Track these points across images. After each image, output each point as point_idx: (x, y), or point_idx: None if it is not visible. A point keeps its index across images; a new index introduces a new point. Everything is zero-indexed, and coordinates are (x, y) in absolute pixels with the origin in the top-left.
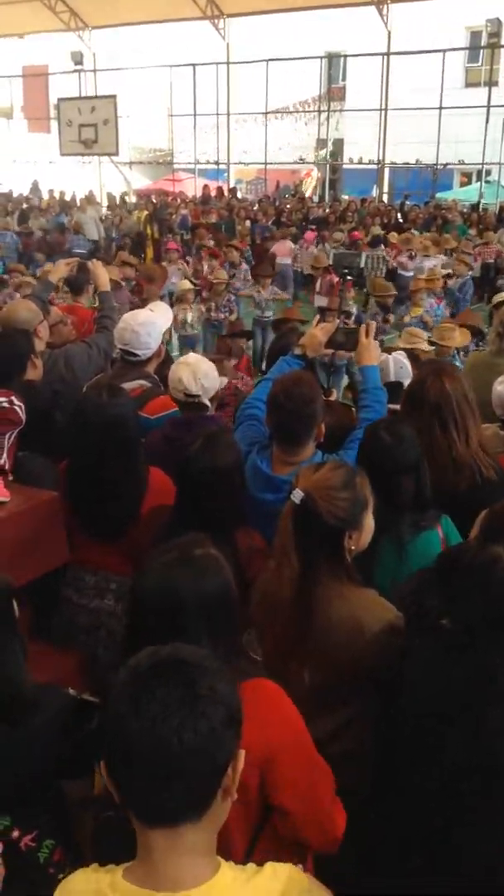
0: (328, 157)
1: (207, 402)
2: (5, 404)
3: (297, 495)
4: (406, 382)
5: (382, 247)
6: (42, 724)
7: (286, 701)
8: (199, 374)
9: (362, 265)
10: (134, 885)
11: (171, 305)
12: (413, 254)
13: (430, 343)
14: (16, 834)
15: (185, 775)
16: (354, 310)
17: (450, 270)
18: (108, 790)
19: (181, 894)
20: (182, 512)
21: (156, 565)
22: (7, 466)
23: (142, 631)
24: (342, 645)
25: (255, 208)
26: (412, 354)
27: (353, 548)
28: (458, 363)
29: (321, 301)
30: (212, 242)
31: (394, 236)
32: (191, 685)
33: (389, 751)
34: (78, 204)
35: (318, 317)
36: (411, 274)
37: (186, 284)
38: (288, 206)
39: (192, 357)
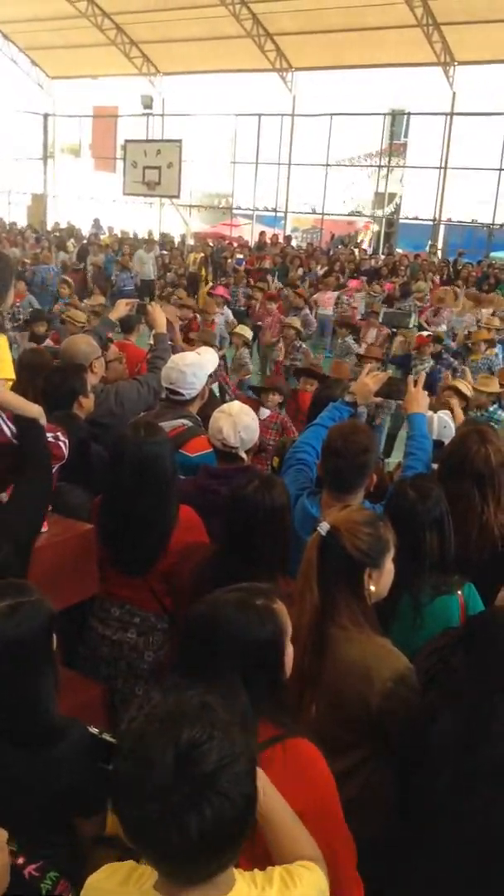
0: (391, 212)
1: (244, 455)
2: (51, 439)
3: (324, 527)
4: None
5: (414, 296)
6: (62, 756)
7: (322, 765)
8: (239, 425)
9: (412, 325)
10: None
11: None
12: (439, 310)
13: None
14: (21, 861)
15: (220, 853)
16: (427, 366)
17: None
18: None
19: None
20: (226, 551)
21: (212, 601)
22: None
23: (182, 657)
24: (350, 688)
25: (307, 256)
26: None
27: (372, 588)
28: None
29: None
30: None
31: (439, 292)
32: (219, 791)
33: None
34: (135, 243)
35: (368, 366)
36: (444, 329)
37: (245, 331)
38: (341, 255)
39: (235, 407)
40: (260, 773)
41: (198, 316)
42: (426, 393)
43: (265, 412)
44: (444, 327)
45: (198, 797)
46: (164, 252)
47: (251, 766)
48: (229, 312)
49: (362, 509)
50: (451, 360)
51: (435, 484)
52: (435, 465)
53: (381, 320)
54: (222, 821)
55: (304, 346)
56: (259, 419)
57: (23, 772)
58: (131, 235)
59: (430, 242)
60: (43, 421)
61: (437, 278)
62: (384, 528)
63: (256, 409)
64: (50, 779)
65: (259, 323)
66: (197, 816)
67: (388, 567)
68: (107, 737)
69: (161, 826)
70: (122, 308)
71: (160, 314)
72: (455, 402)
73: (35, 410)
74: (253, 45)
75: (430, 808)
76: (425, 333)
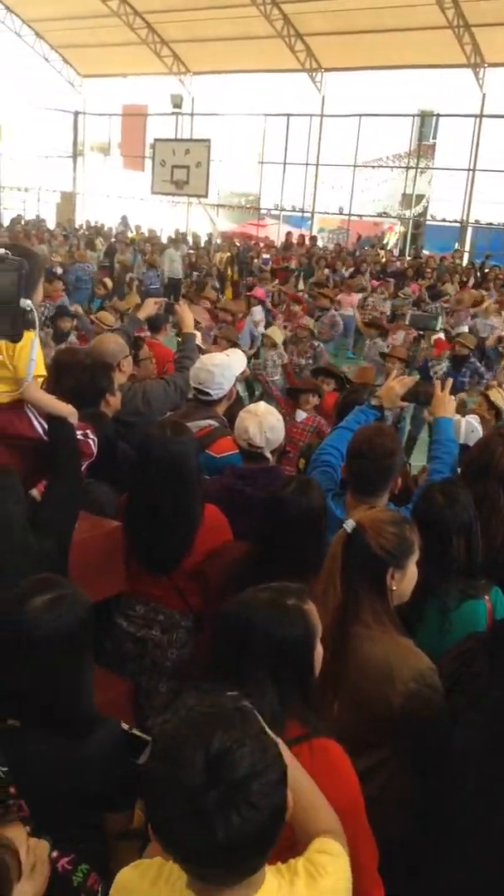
0: (419, 214)
1: (269, 455)
2: (80, 436)
3: (350, 524)
4: None
5: (442, 300)
6: (96, 749)
7: (347, 765)
8: (265, 425)
9: (438, 327)
10: None
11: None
12: (455, 312)
13: None
14: (54, 855)
15: (252, 856)
16: (444, 366)
17: None
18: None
19: None
20: (261, 552)
21: (244, 599)
22: None
23: (214, 654)
24: (372, 687)
25: (333, 257)
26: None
27: (394, 588)
28: None
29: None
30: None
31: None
32: (249, 797)
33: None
34: (164, 241)
35: (396, 370)
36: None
37: (277, 333)
38: (368, 256)
39: (262, 407)
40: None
41: (235, 316)
42: (452, 397)
43: (301, 415)
44: (465, 328)
45: (227, 803)
46: (191, 251)
47: (281, 776)
48: (259, 310)
49: (388, 510)
50: (478, 365)
51: (463, 489)
52: (459, 469)
53: (407, 322)
54: (249, 830)
55: (320, 346)
56: (296, 421)
57: (59, 763)
58: (158, 234)
59: (455, 246)
60: (74, 420)
61: (464, 280)
62: (409, 530)
63: (292, 412)
64: (83, 771)
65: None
66: (224, 822)
67: (412, 570)
68: (137, 732)
69: (188, 828)
70: (150, 306)
71: (188, 314)
72: (484, 410)
73: (66, 409)
74: (283, 45)
75: (453, 813)
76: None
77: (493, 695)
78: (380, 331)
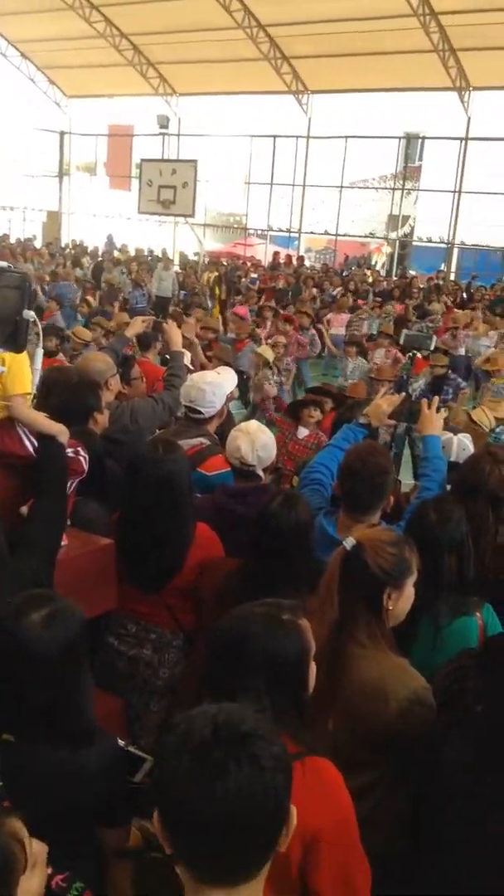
0: (406, 235)
1: (261, 473)
2: (71, 454)
3: (349, 542)
4: None
5: (428, 319)
6: (96, 761)
7: (340, 785)
8: (257, 444)
9: (432, 347)
10: None
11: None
12: (454, 333)
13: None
14: (49, 871)
15: (252, 843)
16: (421, 383)
17: None
18: (146, 836)
19: None
20: (252, 567)
21: (239, 615)
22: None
23: (208, 670)
24: (366, 707)
25: (321, 277)
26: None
27: (390, 608)
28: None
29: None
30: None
31: (455, 315)
32: (256, 760)
33: (424, 835)
34: (150, 260)
35: (384, 389)
36: (462, 353)
37: (268, 351)
38: (356, 276)
39: (253, 426)
40: None
41: (218, 335)
42: (442, 413)
43: (304, 431)
44: (462, 350)
45: (229, 757)
46: (179, 271)
47: (287, 765)
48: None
49: (390, 530)
50: (459, 381)
51: (456, 506)
52: (449, 487)
53: (402, 342)
54: (250, 791)
55: (288, 362)
56: (298, 438)
57: (58, 776)
58: (145, 253)
59: (441, 267)
60: (64, 439)
61: (449, 300)
62: (409, 551)
63: (295, 429)
64: (82, 784)
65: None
66: (223, 778)
67: (409, 591)
68: (134, 749)
69: (198, 791)
70: (138, 325)
71: (176, 332)
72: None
73: (56, 428)
74: (269, 67)
75: (444, 829)
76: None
77: (482, 714)
78: (359, 349)
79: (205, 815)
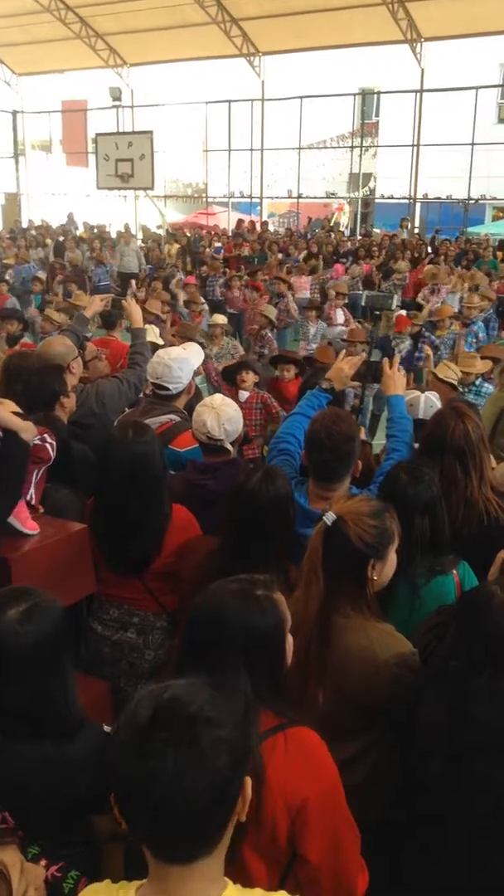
0: (367, 193)
1: (229, 447)
2: (38, 441)
3: (330, 517)
4: None
5: (394, 277)
6: (82, 751)
7: (323, 752)
8: (223, 417)
9: (394, 306)
10: None
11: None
12: (436, 287)
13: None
14: (43, 863)
15: (199, 824)
16: (408, 343)
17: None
18: None
19: None
20: (232, 545)
21: (213, 591)
22: (35, 502)
23: (186, 652)
24: (356, 675)
25: (286, 242)
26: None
27: (374, 578)
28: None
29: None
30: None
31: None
32: (196, 742)
33: (412, 793)
34: (114, 237)
35: (343, 351)
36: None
37: (220, 319)
38: (320, 239)
39: (218, 399)
40: None
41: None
42: (404, 372)
43: (244, 394)
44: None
45: (168, 739)
46: (143, 245)
47: (234, 746)
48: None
49: (369, 500)
50: (433, 337)
51: (427, 468)
52: (417, 445)
53: (363, 303)
54: (189, 775)
55: (269, 334)
56: (241, 402)
57: (46, 769)
58: (108, 229)
59: (402, 219)
60: (27, 436)
61: (417, 256)
62: (389, 519)
63: (235, 396)
64: (71, 775)
65: (232, 311)
66: (161, 760)
67: (392, 558)
68: None
69: (137, 773)
70: (97, 304)
71: (137, 310)
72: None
73: (22, 425)
74: (219, 31)
75: (427, 788)
76: (404, 312)
77: (453, 669)
78: (318, 312)
79: (148, 796)
